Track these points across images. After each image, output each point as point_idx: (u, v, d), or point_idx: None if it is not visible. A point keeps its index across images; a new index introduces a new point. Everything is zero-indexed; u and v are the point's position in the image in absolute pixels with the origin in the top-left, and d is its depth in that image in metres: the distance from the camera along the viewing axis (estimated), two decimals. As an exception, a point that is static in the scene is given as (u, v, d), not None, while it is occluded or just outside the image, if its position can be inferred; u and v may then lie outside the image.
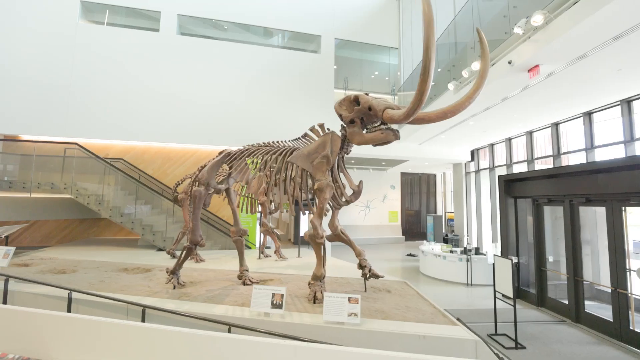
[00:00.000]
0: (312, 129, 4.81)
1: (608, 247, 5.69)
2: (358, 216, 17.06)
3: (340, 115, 4.17)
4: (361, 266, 4.62)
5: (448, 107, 3.17)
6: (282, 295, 3.61)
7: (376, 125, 3.88)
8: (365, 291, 4.70)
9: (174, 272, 4.91)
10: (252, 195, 6.98)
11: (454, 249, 9.97)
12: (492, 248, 9.79)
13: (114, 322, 2.43)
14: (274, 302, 3.60)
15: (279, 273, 5.81)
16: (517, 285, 7.78)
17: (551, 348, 5.18)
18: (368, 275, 4.58)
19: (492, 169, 12.19)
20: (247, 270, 5.17)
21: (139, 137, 9.84)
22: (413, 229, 18.42)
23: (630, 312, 5.37)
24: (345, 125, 4.25)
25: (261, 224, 7.18)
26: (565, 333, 5.77)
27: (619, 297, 5.52)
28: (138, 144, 10.15)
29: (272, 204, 6.94)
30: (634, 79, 6.00)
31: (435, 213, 17.87)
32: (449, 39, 8.30)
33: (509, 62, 5.81)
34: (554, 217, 7.39)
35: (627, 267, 5.43)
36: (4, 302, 4.33)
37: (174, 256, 6.97)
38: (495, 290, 5.87)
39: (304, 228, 14.83)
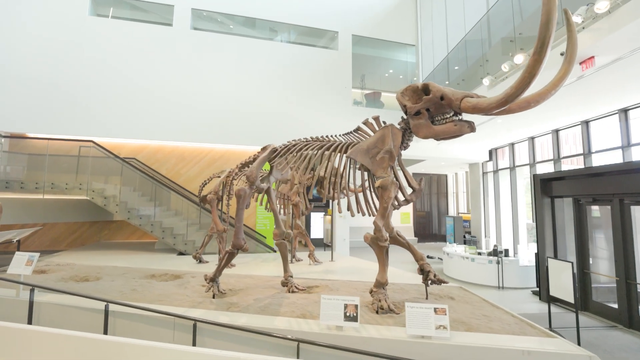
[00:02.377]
0: (365, 122, 4.43)
1: (668, 248, 5.41)
2: (370, 218, 16.67)
3: (404, 107, 3.81)
4: (423, 271, 4.25)
5: (531, 96, 2.85)
6: (356, 306, 3.22)
7: (447, 116, 3.52)
8: (427, 298, 4.32)
9: (213, 279, 4.49)
10: (284, 195, 6.62)
11: (480, 250, 9.66)
12: (524, 250, 9.49)
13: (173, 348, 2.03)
14: (347, 314, 3.20)
15: (321, 279, 5.40)
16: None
17: (619, 356, 4.86)
18: (430, 282, 4.22)
19: (512, 168, 11.94)
20: (291, 277, 4.76)
21: (151, 135, 9.36)
22: (425, 230, 18.13)
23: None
24: (406, 118, 3.91)
25: (294, 227, 6.78)
26: (624, 340, 5.46)
27: (682, 300, 5.24)
28: (150, 142, 9.67)
29: (306, 204, 6.55)
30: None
31: (447, 214, 17.60)
32: (481, 34, 8.00)
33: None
34: (591, 217, 7.13)
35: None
36: (30, 316, 3.87)
37: (200, 261, 6.52)
38: (549, 295, 5.53)
39: (315, 229, 14.42)
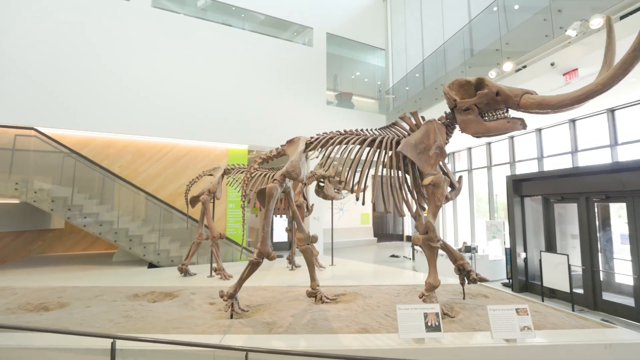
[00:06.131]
0: (402, 117, 4.19)
1: (630, 239, 6.24)
2: (342, 220, 16.60)
3: (453, 101, 3.67)
4: (463, 270, 4.14)
5: (570, 96, 2.84)
6: (437, 314, 2.93)
7: (500, 112, 3.48)
8: (464, 298, 4.24)
9: (233, 295, 3.77)
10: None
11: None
12: (490, 245, 10.26)
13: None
14: (429, 324, 2.89)
15: (340, 285, 4.98)
16: (525, 279, 8.21)
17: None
18: (468, 281, 4.13)
19: (470, 170, 12.94)
20: (319, 286, 4.27)
21: (101, 127, 7.82)
22: (382, 230, 18.70)
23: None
24: (452, 112, 3.79)
25: (289, 230, 6.21)
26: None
27: (644, 283, 6.07)
28: (100, 135, 8.05)
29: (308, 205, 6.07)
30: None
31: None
32: (463, 43, 8.43)
33: (552, 64, 6.02)
34: (559, 213, 7.98)
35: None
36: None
37: (186, 273, 5.54)
38: (542, 286, 5.95)
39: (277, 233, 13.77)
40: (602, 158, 7.86)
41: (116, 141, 8.28)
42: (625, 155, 7.43)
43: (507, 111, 3.46)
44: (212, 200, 5.31)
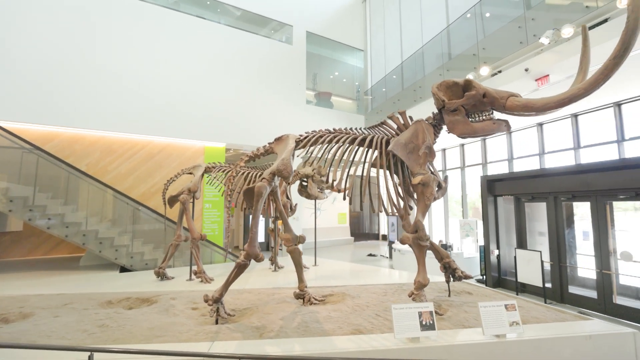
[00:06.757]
0: (391, 117, 4.21)
1: (593, 236, 6.68)
2: (310, 219, 16.49)
3: (441, 101, 3.74)
4: (448, 268, 4.23)
5: (555, 99, 2.96)
6: (431, 313, 2.94)
7: (485, 114, 3.60)
8: (449, 296, 4.33)
9: (218, 299, 3.60)
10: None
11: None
12: (463, 244, 10.62)
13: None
14: (423, 323, 2.90)
15: (327, 286, 4.92)
16: (498, 275, 8.58)
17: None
18: (454, 278, 4.23)
19: (444, 171, 13.35)
20: (307, 287, 4.18)
21: (68, 121, 7.26)
22: (358, 229, 18.86)
23: (613, 286, 6.38)
24: (439, 113, 3.87)
25: (272, 230, 6.08)
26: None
27: (604, 277, 6.53)
28: (65, 130, 7.46)
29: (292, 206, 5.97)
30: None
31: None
32: (441, 47, 8.67)
33: (526, 70, 6.32)
34: (527, 211, 8.41)
35: (611, 249, 6.46)
36: None
37: (163, 277, 5.24)
38: (517, 281, 6.23)
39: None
40: (567, 160, 8.40)
41: (83, 137, 7.70)
42: (588, 157, 7.97)
43: (492, 113, 3.57)
44: (192, 200, 5.06)
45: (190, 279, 5.27)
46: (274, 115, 10.33)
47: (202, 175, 5.26)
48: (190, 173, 5.40)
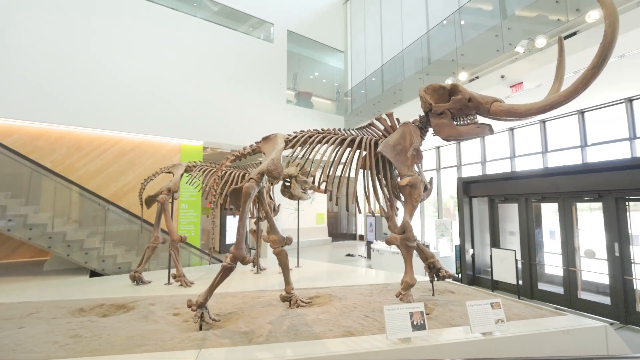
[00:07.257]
0: (378, 118, 4.25)
1: (560, 235, 7.11)
2: (288, 219, 16.35)
3: (428, 104, 3.82)
4: (433, 267, 4.32)
5: (536, 105, 3.09)
6: (421, 313, 2.98)
7: (470, 118, 3.72)
8: (433, 295, 4.42)
9: (203, 304, 3.45)
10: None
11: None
12: (439, 243, 10.93)
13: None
14: (415, 323, 2.93)
15: (312, 287, 4.87)
16: (472, 273, 8.91)
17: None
18: (438, 278, 4.33)
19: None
20: (293, 289, 4.12)
21: (28, 114, 6.71)
22: (335, 230, 18.95)
23: (578, 282, 6.82)
24: (423, 116, 3.96)
25: (254, 232, 5.94)
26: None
27: (570, 274, 6.96)
28: (27, 124, 6.90)
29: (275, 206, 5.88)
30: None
31: (360, 213, 18.88)
32: (421, 51, 8.88)
33: (502, 77, 6.61)
34: (500, 212, 8.80)
35: (576, 247, 6.90)
36: None
37: (139, 281, 4.96)
38: (492, 279, 6.49)
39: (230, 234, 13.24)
40: (536, 163, 8.89)
41: (48, 132, 7.14)
42: (555, 161, 8.47)
43: (476, 117, 3.67)
44: (171, 201, 4.83)
45: (169, 283, 5.03)
46: (254, 114, 10.14)
47: (182, 174, 5.04)
48: (170, 172, 5.15)
